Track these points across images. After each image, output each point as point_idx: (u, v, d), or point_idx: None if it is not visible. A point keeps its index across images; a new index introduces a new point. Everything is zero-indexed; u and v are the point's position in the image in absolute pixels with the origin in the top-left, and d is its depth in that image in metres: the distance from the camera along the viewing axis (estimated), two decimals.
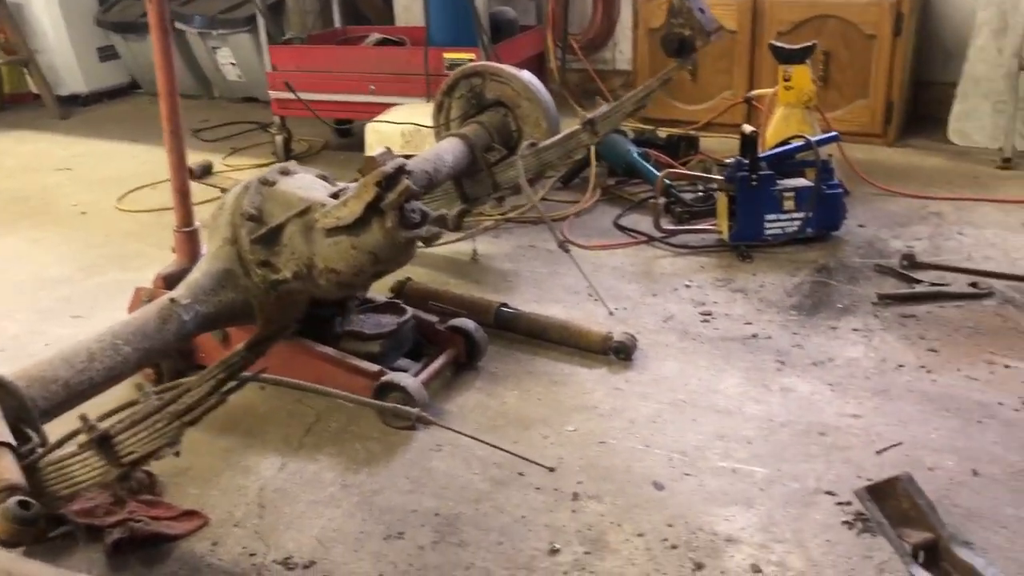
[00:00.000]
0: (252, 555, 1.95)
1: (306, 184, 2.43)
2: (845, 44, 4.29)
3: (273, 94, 4.63)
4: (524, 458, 2.12)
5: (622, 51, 5.53)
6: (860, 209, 3.60)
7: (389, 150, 2.21)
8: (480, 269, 3.33)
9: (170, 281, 2.62)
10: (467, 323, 2.65)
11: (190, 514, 2.08)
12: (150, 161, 4.93)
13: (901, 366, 2.52)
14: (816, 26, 4.32)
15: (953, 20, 4.54)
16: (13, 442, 1.61)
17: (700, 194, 3.70)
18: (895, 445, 2.17)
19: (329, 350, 2.47)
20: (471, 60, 4.07)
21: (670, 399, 2.45)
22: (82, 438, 1.58)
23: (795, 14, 4.36)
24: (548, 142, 3.08)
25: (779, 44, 3.57)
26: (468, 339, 2.62)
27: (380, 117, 3.99)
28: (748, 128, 3.26)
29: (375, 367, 2.43)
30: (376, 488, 2.15)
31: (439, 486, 2.14)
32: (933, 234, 3.37)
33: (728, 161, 3.31)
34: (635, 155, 3.91)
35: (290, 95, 4.54)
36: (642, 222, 3.64)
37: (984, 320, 2.74)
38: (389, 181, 2.17)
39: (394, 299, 2.73)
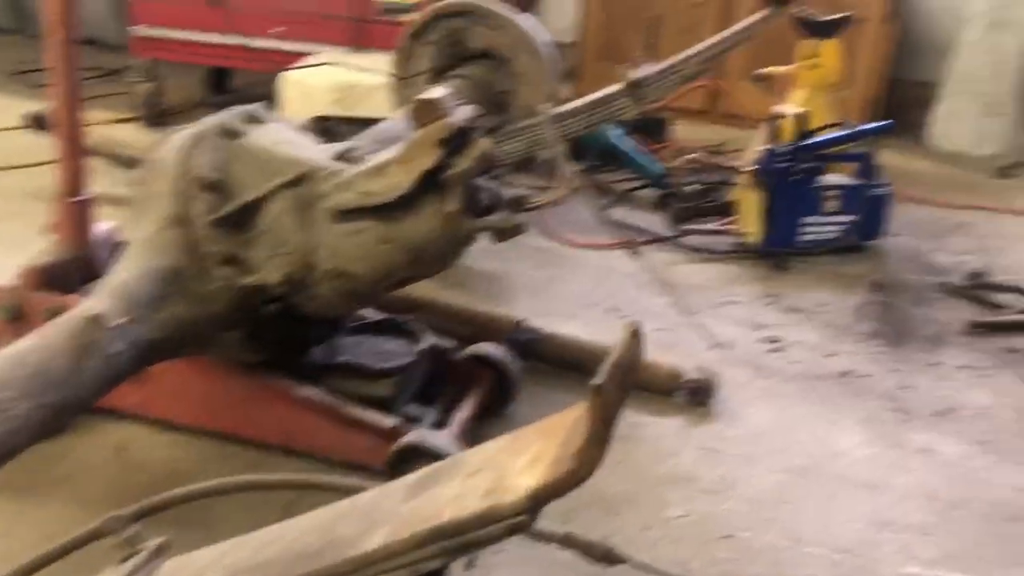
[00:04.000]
0: None
1: (288, 138, 1.60)
2: None
3: (139, 30, 3.59)
4: None
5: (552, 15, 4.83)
6: None
7: (449, 97, 1.43)
8: (458, 268, 2.55)
9: (50, 276, 1.70)
10: (495, 352, 1.89)
11: None
12: None
13: None
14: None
15: (934, 14, 4.07)
16: None
17: (698, 187, 3.09)
18: None
19: (312, 393, 1.65)
20: (415, 1, 3.26)
21: (785, 465, 1.80)
22: None
23: None
24: (575, 105, 2.35)
25: (809, 16, 2.97)
26: (500, 374, 1.86)
27: (296, 67, 3.11)
28: (789, 109, 2.68)
29: (387, 420, 1.64)
30: None
31: None
32: (979, 248, 2.90)
33: (759, 150, 2.71)
34: (617, 138, 3.23)
35: (157, 32, 3.55)
36: (629, 217, 3.00)
37: None
38: (459, 139, 1.40)
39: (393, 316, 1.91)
